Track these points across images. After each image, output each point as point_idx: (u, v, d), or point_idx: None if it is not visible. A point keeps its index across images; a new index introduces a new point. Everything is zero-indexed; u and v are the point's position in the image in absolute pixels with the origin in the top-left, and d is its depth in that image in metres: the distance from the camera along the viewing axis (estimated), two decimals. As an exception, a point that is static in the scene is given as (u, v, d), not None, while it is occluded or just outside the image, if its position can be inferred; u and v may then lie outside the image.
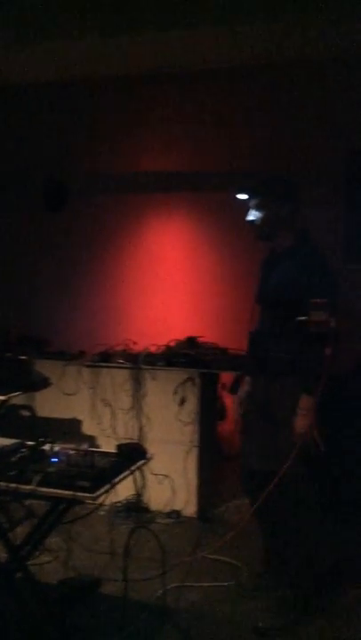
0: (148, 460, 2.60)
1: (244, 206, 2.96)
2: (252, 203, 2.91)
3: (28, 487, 2.14)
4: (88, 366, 4.20)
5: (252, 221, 2.91)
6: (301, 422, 2.69)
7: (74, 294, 5.23)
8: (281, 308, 2.79)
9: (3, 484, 2.16)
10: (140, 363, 4.07)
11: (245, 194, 2.99)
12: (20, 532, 2.70)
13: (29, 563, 2.60)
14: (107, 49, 4.13)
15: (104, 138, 5.21)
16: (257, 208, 2.89)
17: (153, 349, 4.16)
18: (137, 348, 4.23)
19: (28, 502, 3.17)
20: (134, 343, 4.28)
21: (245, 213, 2.94)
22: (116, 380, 4.15)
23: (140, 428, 4.09)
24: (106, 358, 4.21)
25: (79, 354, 4.37)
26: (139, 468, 2.56)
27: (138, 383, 4.10)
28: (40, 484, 2.15)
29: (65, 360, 4.26)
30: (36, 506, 2.71)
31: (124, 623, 2.58)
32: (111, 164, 5.20)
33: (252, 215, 2.91)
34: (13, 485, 2.14)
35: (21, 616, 2.52)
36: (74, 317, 5.12)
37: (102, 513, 3.87)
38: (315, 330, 2.57)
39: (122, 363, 4.13)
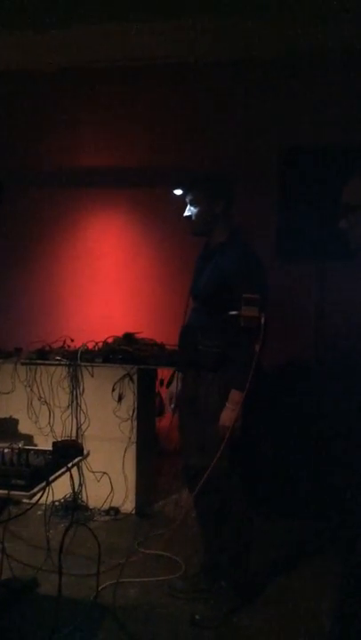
0: (85, 456, 2.60)
1: (182, 202, 3.01)
2: (188, 198, 2.97)
3: None
4: (24, 364, 4.14)
5: (189, 217, 2.97)
6: (228, 416, 2.72)
7: (10, 290, 5.13)
8: (211, 303, 2.84)
9: None
10: (77, 360, 4.04)
11: (181, 190, 3.07)
12: None
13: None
14: (39, 42, 4.07)
15: (41, 131, 5.14)
16: (192, 204, 2.95)
17: (91, 346, 4.14)
18: (75, 345, 4.21)
19: None
20: (72, 340, 4.25)
21: (183, 210, 2.99)
22: (54, 377, 4.11)
23: (78, 426, 4.06)
24: (43, 355, 4.16)
25: (15, 351, 4.30)
26: (75, 465, 2.55)
27: (76, 380, 4.07)
28: (-27, 483, 2.11)
29: (0, 357, 4.18)
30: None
31: (62, 622, 2.56)
32: (48, 158, 5.13)
33: (189, 211, 2.97)
34: None
35: None
36: (10, 314, 5.03)
37: (40, 512, 3.83)
38: (245, 325, 2.61)
39: (59, 360, 4.10)
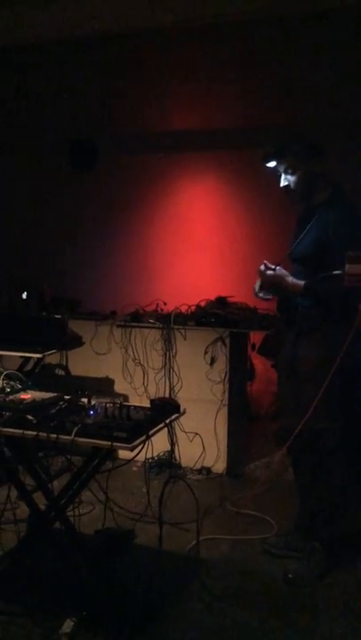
0: (182, 414, 2.64)
1: (274, 173, 2.87)
2: (283, 167, 2.83)
3: (67, 437, 2.20)
4: (120, 326, 4.26)
5: (286, 186, 2.84)
6: (282, 278, 2.75)
7: (105, 255, 5.26)
8: (313, 264, 2.77)
9: (43, 434, 2.23)
10: (170, 322, 4.11)
11: (273, 160, 2.86)
12: (57, 485, 2.79)
13: (67, 513, 2.69)
14: (131, 3, 4.02)
15: (133, 96, 5.17)
16: (288, 172, 2.81)
17: (183, 309, 4.20)
18: (167, 309, 4.28)
19: (64, 458, 3.30)
20: (165, 303, 4.32)
21: (277, 179, 2.85)
22: (148, 339, 4.21)
23: (171, 387, 4.15)
24: (137, 318, 4.26)
25: (111, 314, 4.43)
26: (172, 422, 2.60)
27: (169, 343, 4.15)
28: (79, 434, 2.21)
29: (97, 320, 4.32)
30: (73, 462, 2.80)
31: (159, 572, 2.66)
32: (140, 123, 5.16)
33: (285, 180, 2.83)
34: (54, 436, 2.21)
35: (61, 563, 2.62)
36: (105, 278, 5.17)
37: (135, 469, 3.98)
38: (349, 284, 2.49)
39: (153, 323, 4.18)
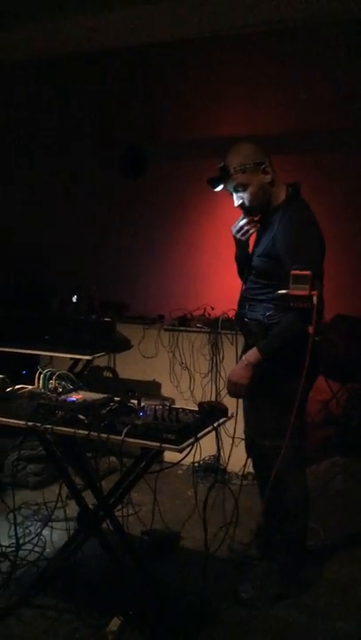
0: (229, 418, 2.65)
1: (227, 194, 2.78)
2: (231, 187, 2.69)
3: (117, 438, 2.25)
4: (167, 330, 4.31)
5: (242, 204, 2.72)
6: (236, 371, 2.61)
7: (153, 260, 5.32)
8: (262, 276, 2.66)
9: (94, 433, 2.28)
10: (218, 327, 4.12)
11: (220, 184, 2.72)
12: (105, 486, 2.84)
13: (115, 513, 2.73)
14: (183, 11, 4.07)
15: (183, 103, 5.22)
16: (238, 190, 2.68)
17: (231, 314, 4.19)
18: (215, 313, 4.30)
19: (112, 459, 3.34)
20: (212, 308, 4.34)
21: (232, 199, 2.75)
22: (195, 344, 4.23)
23: (218, 392, 4.16)
24: (184, 323, 4.30)
25: (158, 318, 4.49)
26: (220, 426, 2.62)
27: (215, 347, 4.16)
28: (129, 435, 2.25)
29: (145, 324, 4.38)
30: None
31: (202, 574, 2.67)
32: (191, 129, 5.21)
33: (239, 198, 2.70)
34: (104, 435, 2.26)
35: (109, 562, 2.66)
36: (153, 282, 5.22)
37: (180, 472, 4.00)
38: (295, 305, 2.39)
39: (200, 327, 4.21)
